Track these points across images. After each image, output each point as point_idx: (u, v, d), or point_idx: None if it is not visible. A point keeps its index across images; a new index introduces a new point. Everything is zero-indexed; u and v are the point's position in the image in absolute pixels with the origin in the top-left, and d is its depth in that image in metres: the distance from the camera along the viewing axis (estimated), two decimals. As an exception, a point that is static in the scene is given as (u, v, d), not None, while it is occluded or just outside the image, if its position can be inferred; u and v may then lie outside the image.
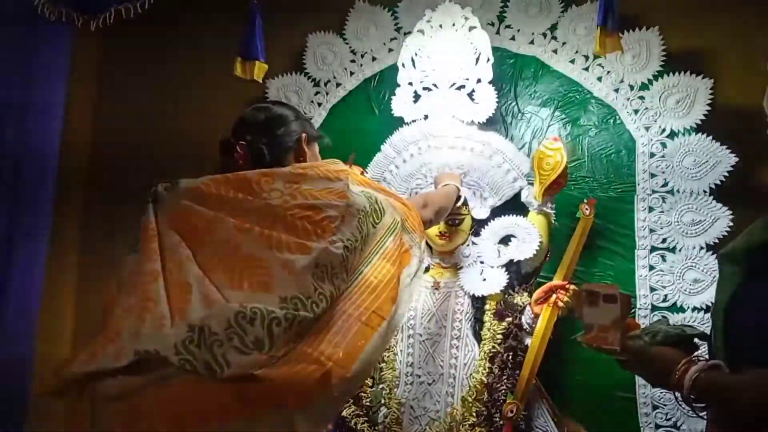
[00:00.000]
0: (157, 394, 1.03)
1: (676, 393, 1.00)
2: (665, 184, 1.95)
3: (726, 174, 1.88)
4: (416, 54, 2.16)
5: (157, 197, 1.26)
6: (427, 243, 2.04)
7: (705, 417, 1.02)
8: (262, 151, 1.43)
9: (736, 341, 0.98)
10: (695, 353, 1.06)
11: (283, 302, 1.11)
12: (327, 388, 1.11)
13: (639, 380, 1.86)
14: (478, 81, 2.08)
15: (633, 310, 1.87)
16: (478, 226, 2.00)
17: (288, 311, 1.10)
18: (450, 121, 2.08)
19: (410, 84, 2.16)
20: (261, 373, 1.05)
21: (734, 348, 0.98)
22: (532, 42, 2.16)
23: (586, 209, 1.91)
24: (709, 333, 1.09)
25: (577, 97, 2.09)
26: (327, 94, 2.41)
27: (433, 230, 1.98)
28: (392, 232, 1.38)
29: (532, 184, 1.97)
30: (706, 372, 0.98)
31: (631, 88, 2.02)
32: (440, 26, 2.14)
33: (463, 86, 2.09)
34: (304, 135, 1.51)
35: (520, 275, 1.97)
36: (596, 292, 1.17)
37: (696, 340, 1.09)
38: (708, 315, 1.85)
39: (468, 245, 2.00)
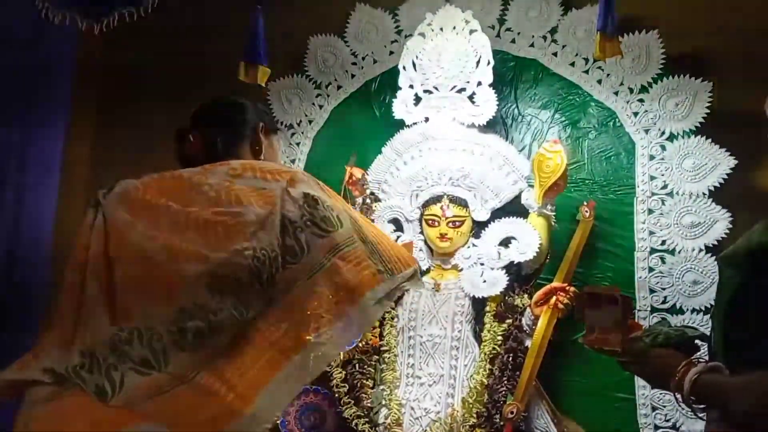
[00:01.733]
0: (69, 403, 1.04)
1: (677, 394, 1.01)
2: (665, 187, 1.96)
3: (725, 176, 1.89)
4: (417, 57, 2.16)
5: (97, 203, 1.21)
6: (427, 245, 2.05)
7: (704, 418, 1.02)
8: (215, 140, 1.37)
9: (736, 343, 0.99)
10: (696, 355, 1.07)
11: (178, 313, 1.05)
12: (218, 426, 1.01)
13: (638, 381, 1.87)
14: (479, 84, 2.09)
15: (633, 312, 1.88)
16: (478, 228, 2.01)
17: (174, 325, 1.04)
18: (450, 123, 2.09)
19: (411, 86, 2.17)
20: (147, 405, 1.01)
21: (734, 350, 0.99)
22: (532, 45, 2.17)
23: (586, 211, 1.92)
24: (709, 334, 1.10)
25: (577, 99, 2.10)
26: (328, 96, 2.41)
27: (434, 232, 1.99)
28: (347, 247, 1.19)
29: (532, 186, 1.98)
30: (706, 374, 0.99)
31: (631, 90, 2.03)
32: (441, 29, 2.15)
33: (463, 89, 2.10)
34: (260, 124, 1.42)
35: (521, 277, 1.97)
36: (597, 294, 1.18)
37: (697, 341, 1.10)
38: (707, 317, 1.86)
39: (468, 247, 2.00)
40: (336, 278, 1.14)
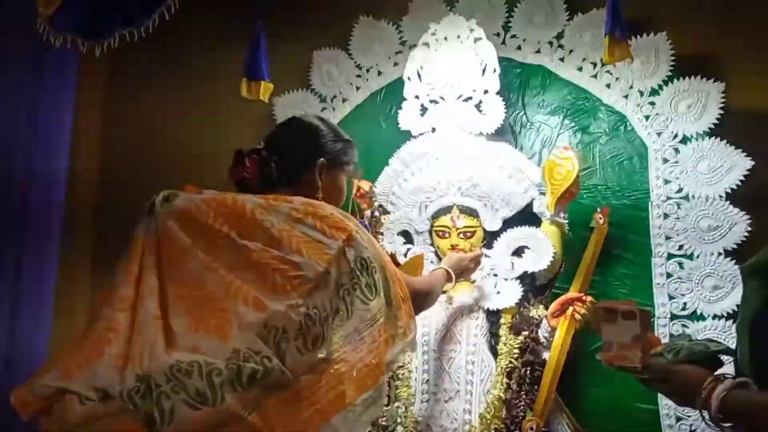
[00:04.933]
0: (118, 427, 1.01)
1: (704, 412, 0.97)
2: (680, 190, 1.92)
3: (742, 178, 1.84)
4: (422, 67, 2.15)
5: (153, 210, 1.19)
6: (438, 257, 2.02)
7: (733, 436, 0.98)
8: (271, 168, 1.36)
9: (764, 357, 0.94)
10: (720, 370, 1.02)
11: (234, 353, 1.05)
12: None
13: (661, 391, 1.83)
14: (485, 92, 2.06)
15: (652, 325, 1.84)
16: (490, 238, 1.97)
17: (231, 362, 1.04)
18: (458, 133, 2.06)
19: (417, 97, 2.15)
20: None
21: (762, 364, 0.95)
22: (538, 51, 2.14)
23: (600, 218, 1.89)
24: (734, 348, 1.06)
25: (587, 104, 2.07)
26: (333, 109, 2.40)
27: (445, 244, 1.96)
28: (376, 322, 1.20)
29: (543, 194, 1.95)
30: (734, 390, 0.94)
31: (641, 93, 1.99)
32: (445, 38, 2.13)
33: (470, 98, 2.07)
34: (321, 161, 1.39)
35: (535, 287, 1.93)
36: (614, 309, 1.14)
37: (721, 356, 1.06)
38: (730, 323, 1.82)
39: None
40: (372, 346, 1.17)
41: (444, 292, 1.79)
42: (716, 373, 1.00)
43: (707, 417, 0.96)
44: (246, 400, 1.04)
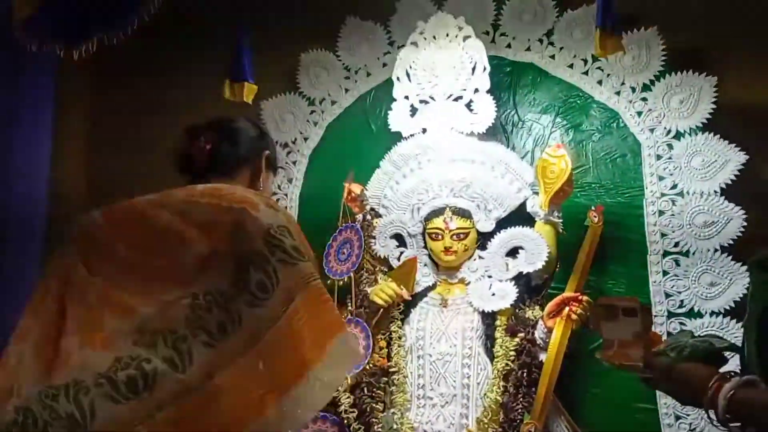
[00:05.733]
0: None
1: (710, 412, 0.94)
2: (674, 186, 1.90)
3: (737, 173, 1.83)
4: (411, 67, 2.12)
5: (64, 236, 1.15)
6: (432, 259, 1.99)
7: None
8: (220, 153, 1.28)
9: None
10: (724, 367, 0.99)
11: (116, 361, 0.98)
12: None
13: (660, 391, 1.80)
14: (476, 91, 2.04)
15: (653, 322, 1.82)
16: (484, 239, 1.95)
17: (103, 376, 0.97)
18: (449, 133, 2.04)
19: (406, 98, 2.12)
20: None
21: (771, 361, 0.92)
22: (528, 49, 2.12)
23: (595, 216, 1.86)
24: (739, 343, 1.03)
25: (578, 102, 2.05)
26: (323, 112, 2.37)
27: (438, 246, 1.93)
28: (315, 279, 1.09)
29: (537, 193, 1.92)
30: (741, 388, 0.91)
31: (633, 90, 1.98)
32: (434, 37, 2.11)
33: (460, 97, 2.05)
34: (267, 153, 1.35)
35: (530, 288, 1.91)
36: (614, 306, 1.11)
37: (725, 353, 1.03)
38: (727, 319, 1.80)
39: (475, 259, 1.95)
40: (313, 310, 1.05)
41: None
42: (721, 370, 0.97)
43: (714, 417, 0.93)
44: (133, 411, 0.96)
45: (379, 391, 1.90)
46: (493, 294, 1.88)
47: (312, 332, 1.04)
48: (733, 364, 1.05)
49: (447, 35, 2.09)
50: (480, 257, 1.94)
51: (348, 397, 1.91)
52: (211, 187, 1.18)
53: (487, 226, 1.94)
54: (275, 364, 1.02)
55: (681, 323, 1.84)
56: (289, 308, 1.04)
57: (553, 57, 2.09)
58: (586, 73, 2.04)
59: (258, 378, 1.01)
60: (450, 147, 2.02)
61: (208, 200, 1.11)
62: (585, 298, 1.77)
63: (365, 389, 1.90)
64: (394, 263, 2.02)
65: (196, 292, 1.02)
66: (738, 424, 0.92)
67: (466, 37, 2.07)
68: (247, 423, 0.99)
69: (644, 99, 1.96)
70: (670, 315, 1.86)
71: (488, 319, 1.88)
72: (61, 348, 1.02)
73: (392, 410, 1.89)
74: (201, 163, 1.27)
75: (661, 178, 1.92)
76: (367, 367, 1.90)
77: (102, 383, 0.97)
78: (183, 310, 1.01)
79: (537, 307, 1.87)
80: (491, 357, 1.85)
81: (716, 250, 1.83)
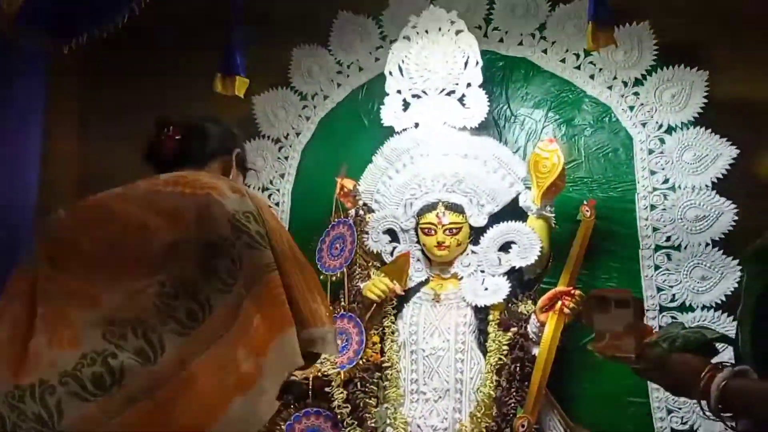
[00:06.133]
0: None
1: (703, 402, 0.94)
2: (666, 181, 1.91)
3: (728, 167, 1.84)
4: (403, 61, 2.11)
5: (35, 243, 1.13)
6: (425, 254, 1.98)
7: (733, 427, 0.95)
8: (188, 148, 1.25)
9: (767, 345, 0.92)
10: (716, 358, 1.00)
11: (83, 358, 0.96)
12: None
13: (652, 384, 1.81)
14: (468, 85, 2.04)
15: (644, 315, 1.82)
16: (476, 234, 1.95)
17: (68, 375, 0.95)
18: (441, 128, 2.04)
19: (399, 92, 2.12)
20: None
21: (764, 353, 0.92)
22: (521, 43, 2.12)
23: (587, 211, 1.86)
24: (731, 335, 1.03)
25: (570, 96, 2.05)
26: (315, 107, 2.36)
27: (431, 241, 1.93)
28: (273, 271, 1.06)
29: (529, 188, 1.92)
30: (734, 379, 0.92)
31: (625, 84, 1.98)
32: (426, 32, 2.10)
33: (453, 91, 2.05)
34: (238, 151, 1.32)
35: (523, 283, 1.91)
36: (607, 298, 1.11)
37: (716, 344, 1.03)
38: (719, 313, 1.81)
39: (467, 254, 1.94)
40: (266, 302, 1.04)
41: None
42: (713, 361, 0.97)
43: (706, 407, 0.93)
44: (103, 408, 0.95)
45: (372, 386, 1.90)
46: (486, 289, 1.88)
47: (261, 326, 1.03)
48: (725, 356, 1.05)
49: (439, 29, 2.08)
50: (473, 252, 1.94)
51: (341, 393, 1.90)
52: (175, 175, 1.15)
53: (479, 220, 1.94)
54: (239, 354, 1.01)
55: (672, 317, 1.85)
56: (249, 294, 1.02)
57: (545, 51, 2.09)
58: (578, 67, 2.04)
59: (229, 366, 1.00)
60: (442, 142, 2.02)
61: (171, 188, 1.09)
62: (577, 292, 1.77)
63: (358, 384, 1.90)
64: (387, 258, 2.01)
65: (162, 280, 1.00)
66: (730, 414, 0.93)
67: (458, 32, 2.07)
68: (218, 414, 0.98)
69: (636, 93, 1.97)
70: (662, 309, 1.86)
71: (481, 313, 1.88)
72: (29, 349, 1.00)
73: (385, 405, 1.89)
74: (168, 151, 1.25)
75: (652, 173, 1.92)
76: (361, 362, 1.90)
77: (67, 381, 0.95)
78: (150, 298, 0.99)
79: (530, 302, 1.87)
80: (484, 351, 1.85)
81: (708, 245, 1.84)
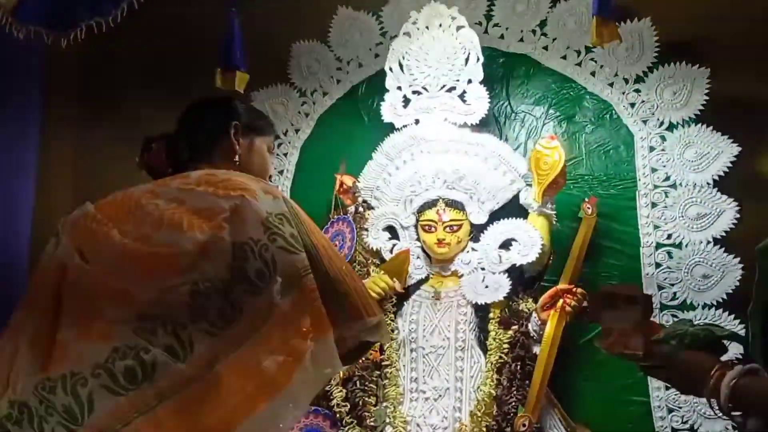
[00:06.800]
0: None
1: (712, 400, 0.93)
2: (667, 178, 1.90)
3: (729, 164, 1.83)
4: (403, 57, 2.10)
5: (58, 231, 1.12)
6: (425, 251, 1.97)
7: (744, 426, 0.94)
8: (178, 145, 1.23)
9: None
10: (724, 356, 0.98)
11: (114, 351, 0.96)
12: None
13: (653, 383, 1.80)
14: (469, 82, 2.02)
15: (653, 312, 1.82)
16: (477, 231, 1.94)
17: (100, 367, 0.95)
18: (442, 124, 2.02)
19: (399, 88, 2.10)
20: None
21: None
22: (521, 40, 2.11)
23: (588, 208, 1.86)
24: (740, 333, 1.02)
25: (571, 93, 2.04)
26: (314, 103, 2.34)
27: (431, 238, 1.92)
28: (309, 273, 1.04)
29: (530, 185, 1.92)
30: (745, 378, 0.90)
31: (626, 81, 1.97)
32: (426, 27, 2.09)
33: (453, 88, 2.04)
34: (233, 123, 1.25)
35: (524, 280, 1.90)
36: (615, 294, 1.10)
37: (725, 341, 1.02)
38: (720, 311, 1.80)
39: (468, 252, 1.93)
40: (306, 305, 1.03)
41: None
42: (722, 359, 0.96)
43: (716, 406, 0.92)
44: (132, 402, 0.94)
45: (371, 385, 1.89)
46: (487, 286, 1.87)
47: (295, 332, 1.02)
48: (732, 354, 1.04)
49: (440, 25, 2.07)
50: (473, 249, 1.93)
51: (340, 391, 1.90)
52: (206, 173, 1.14)
53: (480, 218, 1.93)
54: (268, 358, 1.00)
55: (673, 315, 1.84)
56: (283, 298, 1.01)
57: (546, 48, 2.08)
58: (579, 64, 2.03)
59: (255, 370, 0.99)
60: (443, 138, 2.00)
61: (204, 188, 1.08)
62: (579, 290, 1.77)
63: (357, 383, 1.89)
64: (387, 256, 2.00)
65: (195, 278, 0.99)
66: (740, 413, 0.91)
67: (459, 27, 2.05)
68: (241, 416, 0.97)
69: (637, 90, 1.96)
70: (663, 308, 1.85)
71: (481, 311, 1.88)
72: (57, 341, 0.99)
73: (385, 404, 1.88)
74: (163, 167, 1.24)
75: (654, 170, 1.91)
76: (360, 360, 1.88)
77: (99, 374, 0.94)
78: (182, 296, 0.98)
79: (530, 300, 1.86)
80: (484, 350, 1.84)
81: (709, 242, 1.83)
